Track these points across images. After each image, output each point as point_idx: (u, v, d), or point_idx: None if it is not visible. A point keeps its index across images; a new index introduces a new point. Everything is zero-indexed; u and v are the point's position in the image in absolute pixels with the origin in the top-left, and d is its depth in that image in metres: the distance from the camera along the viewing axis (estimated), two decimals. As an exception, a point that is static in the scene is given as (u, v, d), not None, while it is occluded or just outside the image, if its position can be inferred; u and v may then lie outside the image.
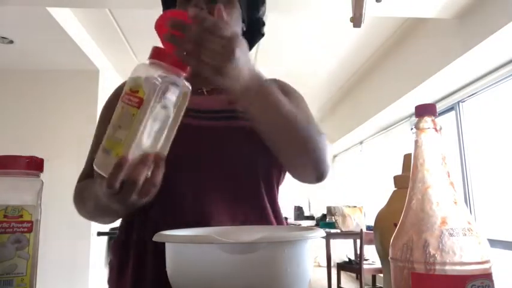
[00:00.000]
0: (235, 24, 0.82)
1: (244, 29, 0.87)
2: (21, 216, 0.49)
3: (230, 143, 0.74)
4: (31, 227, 0.49)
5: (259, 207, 0.76)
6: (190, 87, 0.55)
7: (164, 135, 0.54)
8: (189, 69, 0.54)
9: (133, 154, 0.50)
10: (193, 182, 0.71)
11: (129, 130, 0.50)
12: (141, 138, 0.51)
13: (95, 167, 0.53)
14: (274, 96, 0.64)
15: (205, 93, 0.82)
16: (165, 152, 0.54)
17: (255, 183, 0.76)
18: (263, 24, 0.92)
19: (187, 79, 0.55)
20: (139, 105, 0.50)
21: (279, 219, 0.80)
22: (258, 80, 0.61)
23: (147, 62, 0.53)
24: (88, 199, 0.69)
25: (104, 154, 0.52)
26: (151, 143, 0.53)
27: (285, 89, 0.86)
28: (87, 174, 0.81)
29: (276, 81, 0.89)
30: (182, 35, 0.53)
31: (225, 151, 0.74)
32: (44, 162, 0.56)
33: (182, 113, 0.55)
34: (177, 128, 0.55)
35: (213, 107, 0.78)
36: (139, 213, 0.69)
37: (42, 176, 0.55)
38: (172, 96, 0.53)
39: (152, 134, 0.52)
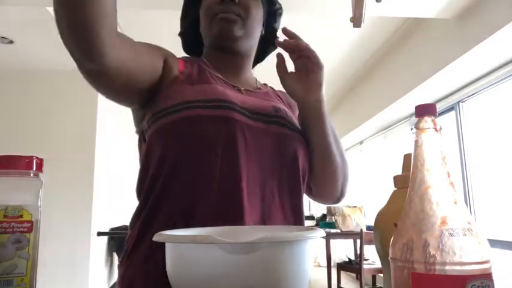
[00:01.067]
0: (257, 21, 0.85)
1: (263, 32, 0.89)
2: (21, 216, 0.48)
3: (276, 147, 0.76)
4: (31, 227, 0.49)
5: (298, 209, 0.79)
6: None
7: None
8: None
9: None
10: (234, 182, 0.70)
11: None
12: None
13: None
14: (325, 113, 0.80)
15: (244, 92, 0.82)
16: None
17: (297, 186, 0.79)
18: (277, 38, 0.94)
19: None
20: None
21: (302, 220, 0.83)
22: (322, 95, 0.79)
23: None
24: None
25: None
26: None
27: (293, 102, 0.91)
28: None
29: (284, 93, 0.91)
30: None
31: (270, 154, 0.75)
32: (44, 162, 0.56)
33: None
34: None
35: (261, 110, 0.78)
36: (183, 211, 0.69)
37: (42, 175, 0.55)
38: None
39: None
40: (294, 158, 0.77)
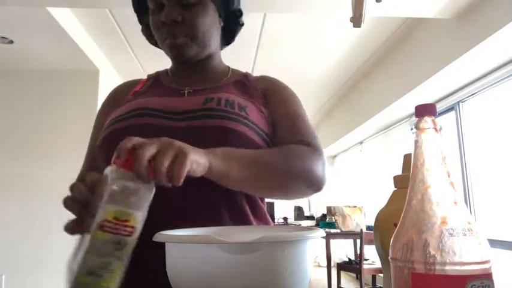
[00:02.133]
0: (210, 28, 0.82)
1: (222, 23, 0.87)
2: (127, 220, 0.49)
3: (199, 142, 0.68)
4: (132, 232, 0.50)
5: (236, 209, 0.73)
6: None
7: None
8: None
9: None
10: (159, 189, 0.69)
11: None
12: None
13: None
14: (228, 167, 0.63)
15: (186, 94, 0.82)
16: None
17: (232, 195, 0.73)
18: (241, 14, 0.90)
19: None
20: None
21: (261, 218, 0.78)
22: (209, 164, 0.60)
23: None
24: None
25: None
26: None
27: (273, 87, 0.86)
28: (85, 176, 0.81)
29: (264, 79, 0.89)
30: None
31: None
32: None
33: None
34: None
35: (187, 107, 0.75)
36: None
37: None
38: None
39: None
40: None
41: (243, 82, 0.86)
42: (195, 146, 0.63)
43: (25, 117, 3.68)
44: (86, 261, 0.49)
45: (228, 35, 0.92)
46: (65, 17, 2.99)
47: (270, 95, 0.84)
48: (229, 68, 0.92)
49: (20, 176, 3.55)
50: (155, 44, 0.91)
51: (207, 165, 0.59)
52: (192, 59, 0.82)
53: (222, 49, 0.93)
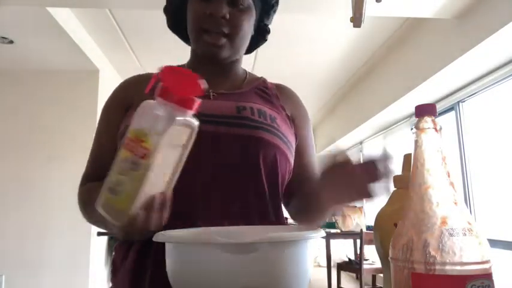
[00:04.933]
0: (247, 35, 0.82)
1: (253, 33, 0.86)
2: (143, 141, 0.51)
3: (237, 150, 0.73)
4: (147, 155, 0.51)
5: (264, 217, 0.75)
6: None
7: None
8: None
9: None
10: (192, 185, 0.70)
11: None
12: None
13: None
14: None
15: (212, 97, 0.80)
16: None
17: (261, 191, 0.75)
18: (268, 31, 0.92)
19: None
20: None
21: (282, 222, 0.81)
22: None
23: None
24: (96, 216, 0.71)
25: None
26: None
27: (296, 107, 0.88)
28: (90, 176, 0.81)
29: (283, 91, 0.89)
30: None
31: (231, 157, 0.73)
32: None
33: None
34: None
35: (222, 112, 0.76)
36: None
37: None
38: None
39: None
40: (255, 160, 0.73)
41: (263, 90, 0.86)
42: (228, 153, 0.70)
43: (25, 117, 3.68)
44: (109, 177, 0.53)
45: (250, 46, 0.91)
46: (65, 17, 2.99)
47: (297, 116, 0.86)
48: (246, 71, 0.92)
49: (20, 176, 3.55)
50: (173, 29, 0.89)
51: None
52: (223, 61, 0.81)
53: None
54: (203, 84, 0.52)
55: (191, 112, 0.53)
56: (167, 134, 0.51)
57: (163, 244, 0.49)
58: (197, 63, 0.85)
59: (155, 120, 0.51)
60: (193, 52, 0.87)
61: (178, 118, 0.51)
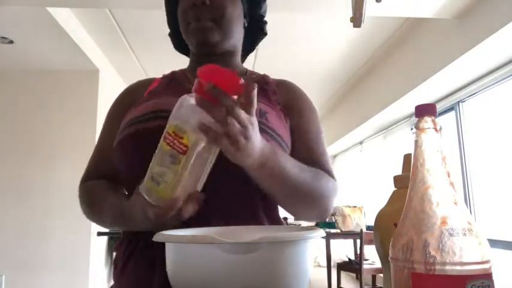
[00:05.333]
0: (235, 19, 0.81)
1: (246, 24, 0.86)
2: (182, 138, 0.54)
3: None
4: (186, 151, 0.54)
5: (254, 217, 0.73)
6: None
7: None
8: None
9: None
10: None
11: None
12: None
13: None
14: (279, 168, 0.65)
15: None
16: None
17: (251, 194, 0.72)
18: (265, 22, 0.91)
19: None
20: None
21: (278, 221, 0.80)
22: (264, 156, 0.62)
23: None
24: (106, 210, 0.72)
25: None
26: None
27: (296, 97, 0.85)
28: (91, 174, 0.81)
29: (284, 85, 0.87)
30: (216, 101, 0.52)
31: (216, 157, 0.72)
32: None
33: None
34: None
35: None
36: None
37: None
38: None
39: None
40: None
41: (262, 86, 0.85)
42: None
43: (25, 117, 3.68)
44: (151, 167, 0.57)
45: (250, 42, 0.92)
46: (65, 17, 3.00)
47: (293, 106, 0.83)
48: (246, 69, 0.91)
49: (20, 176, 3.55)
50: (179, 48, 0.92)
51: (262, 143, 0.61)
52: (215, 45, 0.80)
53: (242, 55, 0.93)
54: (242, 81, 0.53)
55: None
56: (207, 140, 0.54)
57: (163, 244, 0.49)
58: (196, 63, 0.85)
59: (194, 118, 0.53)
60: (191, 55, 0.88)
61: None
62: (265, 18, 0.91)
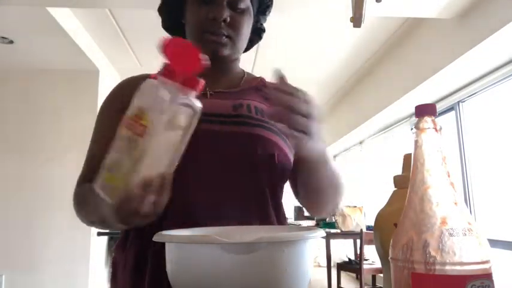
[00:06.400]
0: (247, 36, 0.83)
1: (249, 34, 0.87)
2: (141, 118, 0.51)
3: (234, 148, 0.73)
4: (143, 132, 0.50)
5: (264, 216, 0.74)
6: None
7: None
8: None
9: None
10: (190, 184, 0.70)
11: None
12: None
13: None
14: (330, 163, 0.71)
15: (209, 95, 0.80)
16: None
17: (260, 190, 0.74)
18: (264, 30, 0.93)
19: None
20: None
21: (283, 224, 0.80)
22: (324, 149, 0.67)
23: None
24: (93, 213, 0.70)
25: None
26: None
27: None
28: (86, 177, 0.80)
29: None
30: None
31: (228, 156, 0.72)
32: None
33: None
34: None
35: (218, 110, 0.76)
36: None
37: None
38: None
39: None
40: (253, 158, 0.73)
41: (261, 88, 0.86)
42: (226, 151, 0.69)
43: (25, 117, 3.68)
44: (108, 155, 0.53)
45: (247, 45, 0.92)
46: (65, 17, 2.99)
47: None
48: (243, 70, 0.92)
49: (20, 176, 3.55)
50: (169, 30, 0.90)
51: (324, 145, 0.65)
52: (223, 58, 0.81)
53: None
54: (204, 60, 0.52)
55: (194, 93, 0.53)
56: (166, 113, 0.50)
57: (161, 244, 0.49)
58: None
59: (155, 99, 0.51)
60: None
61: (179, 97, 0.51)
62: (264, 26, 0.92)
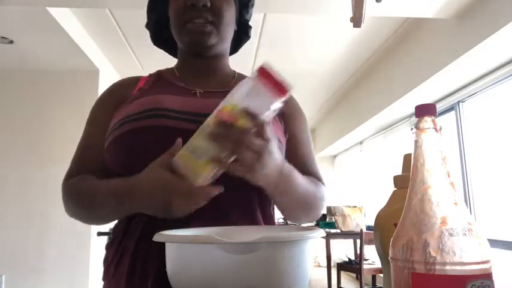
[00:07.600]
0: (231, 23, 0.82)
1: (236, 28, 0.87)
2: (237, 120, 0.54)
3: None
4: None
5: (248, 213, 0.73)
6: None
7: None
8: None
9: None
10: None
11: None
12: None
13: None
14: (294, 184, 0.70)
15: (198, 95, 0.79)
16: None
17: (248, 195, 0.73)
18: (250, 27, 0.92)
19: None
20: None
21: (270, 223, 0.79)
22: (282, 175, 0.65)
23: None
24: (102, 203, 0.70)
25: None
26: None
27: (293, 110, 0.87)
28: (74, 172, 0.80)
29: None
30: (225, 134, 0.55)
31: None
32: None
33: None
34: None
35: (207, 110, 0.76)
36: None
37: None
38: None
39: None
40: None
41: None
42: None
43: (25, 117, 3.68)
44: (195, 139, 0.55)
45: (234, 45, 0.92)
46: (65, 17, 2.99)
47: (287, 113, 0.85)
48: (234, 71, 0.91)
49: (20, 176, 3.55)
50: (157, 43, 0.91)
51: (281, 164, 0.64)
52: (209, 49, 0.80)
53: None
54: (290, 88, 0.55)
55: (283, 99, 0.55)
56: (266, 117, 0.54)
57: (159, 244, 0.48)
58: (183, 63, 0.86)
59: (265, 106, 0.54)
60: (180, 52, 0.87)
61: (276, 103, 0.54)
62: (249, 23, 0.92)
